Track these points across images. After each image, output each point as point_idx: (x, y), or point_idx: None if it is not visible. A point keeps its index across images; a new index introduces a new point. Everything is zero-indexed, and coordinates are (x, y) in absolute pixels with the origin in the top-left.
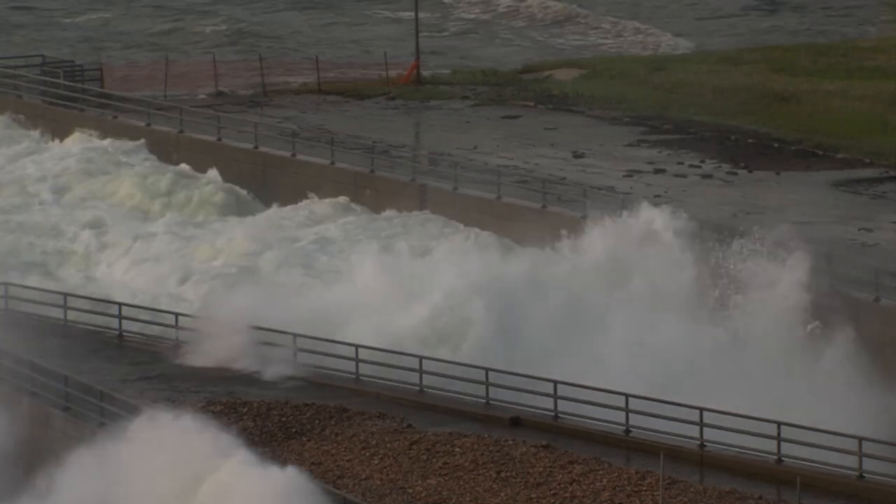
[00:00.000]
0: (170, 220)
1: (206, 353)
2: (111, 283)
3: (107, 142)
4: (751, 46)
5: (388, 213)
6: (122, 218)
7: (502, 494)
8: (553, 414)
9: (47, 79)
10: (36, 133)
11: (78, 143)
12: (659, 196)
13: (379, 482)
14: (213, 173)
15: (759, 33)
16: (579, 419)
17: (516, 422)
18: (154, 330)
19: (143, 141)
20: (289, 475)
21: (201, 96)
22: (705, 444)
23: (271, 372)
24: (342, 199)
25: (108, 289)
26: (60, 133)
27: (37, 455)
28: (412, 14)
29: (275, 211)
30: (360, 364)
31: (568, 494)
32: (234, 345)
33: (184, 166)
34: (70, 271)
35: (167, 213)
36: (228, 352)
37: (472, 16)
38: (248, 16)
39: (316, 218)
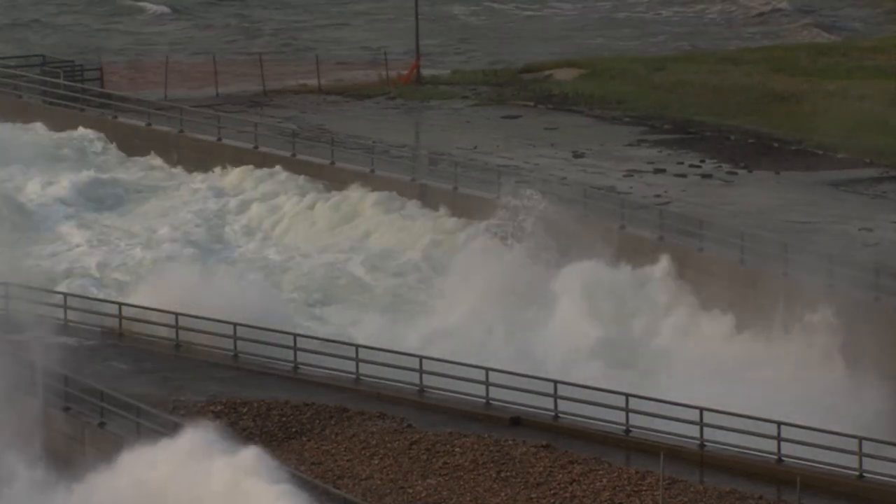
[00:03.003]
0: None
1: None
2: None
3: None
4: None
5: None
6: None
7: (502, 494)
8: (553, 414)
9: (47, 79)
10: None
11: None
12: (659, 196)
13: (379, 482)
14: None
15: None
16: (579, 419)
17: (516, 422)
18: (156, 330)
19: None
20: None
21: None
22: (705, 444)
23: None
24: None
25: None
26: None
27: None
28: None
29: None
30: (360, 364)
31: (568, 494)
32: None
33: None
34: None
35: None
36: None
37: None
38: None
39: None
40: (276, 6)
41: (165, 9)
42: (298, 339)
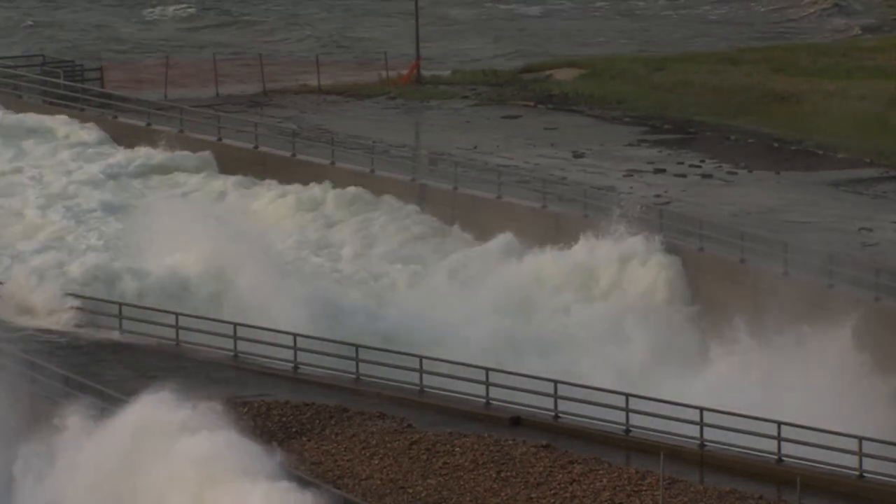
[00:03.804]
0: None
1: None
2: None
3: None
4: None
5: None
6: None
7: (502, 494)
8: (553, 414)
9: (47, 79)
10: None
11: None
12: (659, 196)
13: (379, 482)
14: None
15: None
16: (579, 419)
17: (516, 422)
18: (156, 330)
19: None
20: None
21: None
22: (705, 444)
23: None
24: None
25: None
26: None
27: None
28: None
29: None
30: (360, 364)
31: (568, 494)
32: None
33: None
34: None
35: None
36: None
37: None
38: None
39: None
40: (292, 6)
41: (191, 10)
42: (298, 339)
